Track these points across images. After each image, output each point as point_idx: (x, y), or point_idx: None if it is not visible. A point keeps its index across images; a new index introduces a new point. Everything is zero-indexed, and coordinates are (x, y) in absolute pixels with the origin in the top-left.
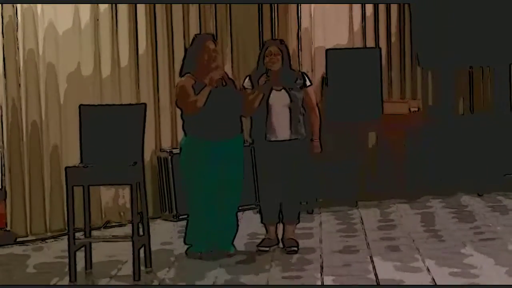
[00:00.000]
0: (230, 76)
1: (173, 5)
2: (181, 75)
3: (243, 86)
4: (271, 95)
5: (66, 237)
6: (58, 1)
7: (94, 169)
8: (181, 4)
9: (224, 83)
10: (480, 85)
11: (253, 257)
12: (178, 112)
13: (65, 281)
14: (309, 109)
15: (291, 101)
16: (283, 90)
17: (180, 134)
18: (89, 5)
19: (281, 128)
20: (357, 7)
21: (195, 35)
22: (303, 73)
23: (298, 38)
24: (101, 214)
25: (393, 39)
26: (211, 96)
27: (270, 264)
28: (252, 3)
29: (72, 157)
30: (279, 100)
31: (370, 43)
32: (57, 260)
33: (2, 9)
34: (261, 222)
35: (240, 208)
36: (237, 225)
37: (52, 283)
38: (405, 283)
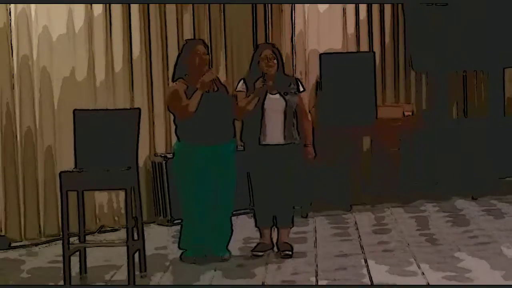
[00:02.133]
0: (223, 80)
1: (167, 10)
2: (173, 81)
3: (237, 90)
4: (266, 99)
5: (60, 242)
6: (52, 1)
7: (88, 174)
8: (175, 9)
9: (216, 88)
10: (474, 89)
11: (247, 261)
12: (172, 116)
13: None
14: (302, 115)
15: (286, 105)
16: (277, 95)
17: (174, 139)
18: (83, 10)
19: (275, 132)
20: (350, 12)
21: (186, 40)
22: (296, 79)
23: (292, 42)
24: (96, 219)
25: (386, 43)
26: (203, 101)
27: (264, 268)
28: (245, 3)
29: (66, 162)
30: (274, 105)
31: (364, 47)
32: (51, 265)
33: None
34: (256, 226)
35: (234, 212)
36: (232, 230)
37: None
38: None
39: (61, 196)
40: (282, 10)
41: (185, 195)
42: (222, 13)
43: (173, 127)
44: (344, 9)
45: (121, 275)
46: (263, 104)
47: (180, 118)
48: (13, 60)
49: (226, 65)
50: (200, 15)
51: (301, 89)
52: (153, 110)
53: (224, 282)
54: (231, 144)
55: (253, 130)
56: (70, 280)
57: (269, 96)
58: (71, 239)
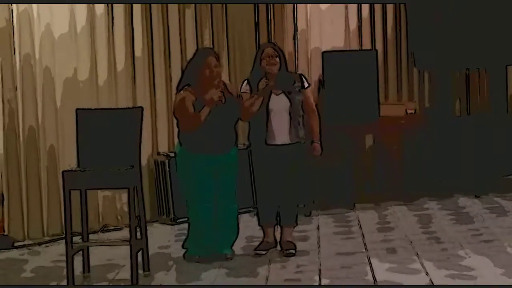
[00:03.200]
0: (226, 80)
1: (169, 9)
2: (178, 87)
3: (241, 91)
4: (271, 99)
5: (63, 241)
6: (54, 1)
7: (91, 173)
8: (177, 9)
9: (223, 101)
10: (477, 87)
11: (251, 260)
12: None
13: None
14: (309, 111)
15: (291, 104)
16: (282, 94)
17: (177, 138)
18: (85, 9)
19: (281, 132)
20: (353, 9)
21: (197, 49)
22: (300, 75)
23: (295, 40)
24: (99, 218)
25: (389, 41)
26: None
27: (268, 267)
28: (247, 3)
29: (69, 161)
30: (279, 104)
31: (367, 45)
32: (54, 264)
33: None
34: (259, 224)
35: (237, 211)
36: (238, 230)
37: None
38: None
39: (64, 195)
40: (284, 9)
41: (189, 200)
42: (224, 12)
43: (175, 126)
44: (346, 7)
45: (124, 274)
46: (268, 104)
47: (183, 130)
48: (15, 59)
49: (228, 65)
50: (203, 14)
51: (306, 85)
52: (155, 109)
53: (227, 280)
54: (233, 152)
55: (259, 131)
56: (73, 280)
57: (273, 96)
58: (74, 239)
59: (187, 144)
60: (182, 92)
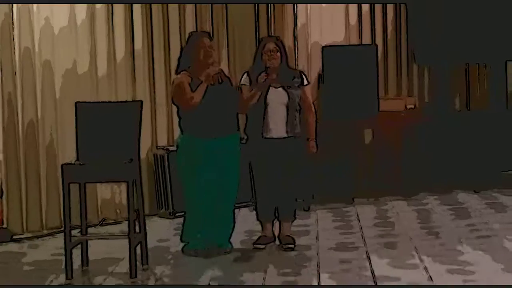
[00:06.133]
0: (227, 73)
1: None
2: (177, 73)
3: (241, 83)
4: (269, 93)
5: (62, 234)
6: (54, 0)
7: (90, 166)
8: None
9: (220, 80)
10: (476, 82)
11: (249, 254)
12: (175, 109)
13: (62, 278)
14: (306, 109)
15: (289, 99)
16: (281, 88)
17: (177, 131)
18: (84, 2)
19: (278, 126)
20: (353, 4)
21: (190, 32)
22: (301, 72)
23: (295, 35)
24: (98, 211)
25: (389, 36)
26: (207, 94)
27: (266, 262)
28: (248, 2)
29: (68, 154)
30: (277, 98)
31: (366, 40)
32: (53, 257)
33: None
34: (257, 219)
35: (236, 205)
36: (234, 222)
37: (48, 280)
38: (402, 280)
39: (63, 188)
40: (284, 4)
41: (188, 188)
42: (225, 6)
43: (175, 119)
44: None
45: (123, 268)
46: (266, 97)
47: (184, 110)
48: (15, 52)
49: (228, 58)
50: (203, 7)
51: (305, 82)
52: (155, 102)
53: (226, 275)
54: (235, 136)
55: (256, 124)
56: (72, 273)
57: (272, 89)
58: (73, 232)
59: (189, 128)
60: (178, 76)
